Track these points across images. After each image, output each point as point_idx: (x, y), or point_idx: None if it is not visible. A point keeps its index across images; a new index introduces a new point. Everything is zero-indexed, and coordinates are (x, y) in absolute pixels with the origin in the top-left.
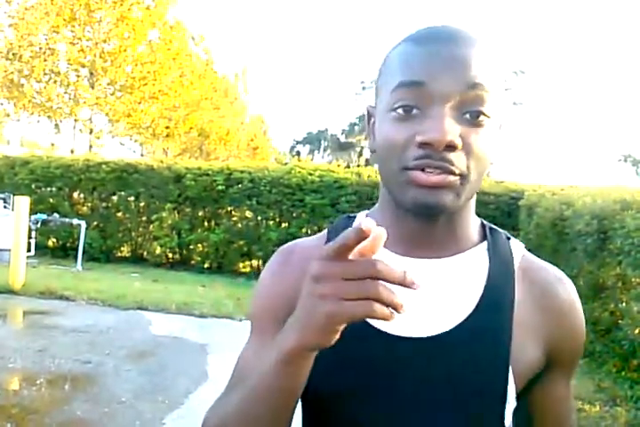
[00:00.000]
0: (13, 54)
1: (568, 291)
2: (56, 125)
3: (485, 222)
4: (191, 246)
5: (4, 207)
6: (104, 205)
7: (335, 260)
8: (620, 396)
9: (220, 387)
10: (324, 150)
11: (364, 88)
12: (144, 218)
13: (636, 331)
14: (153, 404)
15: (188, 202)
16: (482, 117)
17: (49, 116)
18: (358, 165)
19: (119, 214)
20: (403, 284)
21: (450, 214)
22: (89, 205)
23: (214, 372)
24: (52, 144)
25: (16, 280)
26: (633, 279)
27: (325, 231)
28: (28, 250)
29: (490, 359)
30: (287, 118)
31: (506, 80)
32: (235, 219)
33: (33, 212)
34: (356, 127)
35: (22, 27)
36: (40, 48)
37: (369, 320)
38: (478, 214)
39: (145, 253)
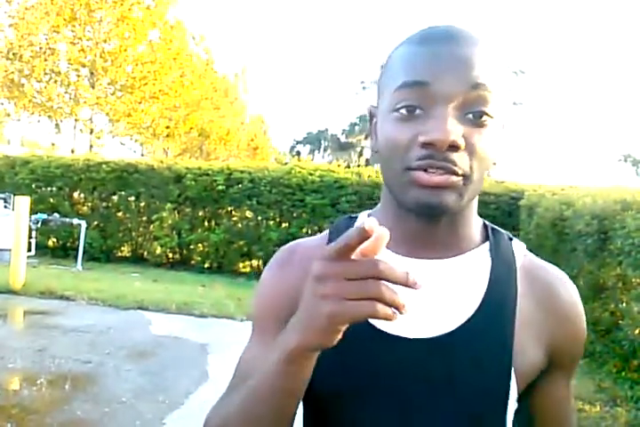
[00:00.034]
0: (14, 54)
1: (570, 292)
2: (56, 125)
3: (487, 223)
4: (191, 246)
5: (5, 207)
6: (104, 204)
7: (337, 260)
8: (621, 396)
9: (221, 387)
10: (325, 150)
11: (364, 88)
12: (144, 218)
13: (637, 331)
14: (153, 404)
15: (189, 202)
16: (485, 118)
17: (49, 116)
18: (358, 165)
19: (119, 214)
20: (405, 284)
21: (452, 215)
22: (89, 204)
23: (214, 372)
24: (53, 144)
25: (16, 280)
26: (633, 280)
27: (327, 231)
28: (29, 250)
29: (492, 360)
30: (287, 118)
31: (506, 80)
32: (235, 219)
33: (33, 211)
34: (357, 127)
35: (23, 26)
36: (40, 48)
37: (371, 321)
38: (479, 214)
39: (145, 253)
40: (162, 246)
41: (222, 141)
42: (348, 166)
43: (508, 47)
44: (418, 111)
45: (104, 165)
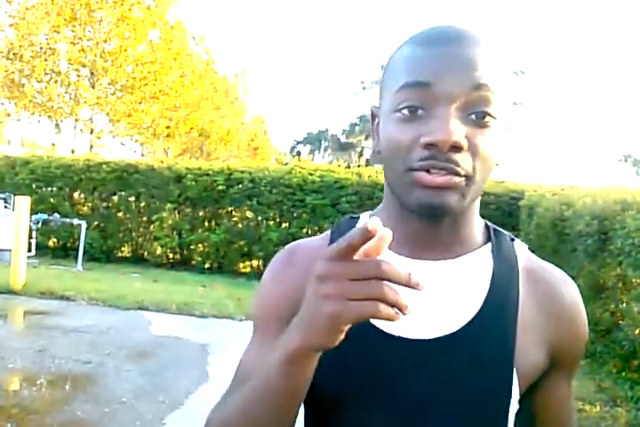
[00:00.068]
0: (14, 54)
1: (572, 293)
2: (57, 125)
3: (489, 224)
4: (192, 247)
5: (5, 207)
6: (104, 205)
7: (340, 260)
8: (621, 396)
9: (221, 387)
10: (325, 150)
11: (364, 88)
12: (144, 218)
13: (637, 331)
14: (153, 404)
15: (189, 202)
16: (487, 118)
17: (49, 116)
18: (359, 166)
19: (120, 214)
20: (407, 285)
21: (455, 216)
22: (89, 205)
23: (215, 372)
24: (53, 144)
25: (16, 280)
26: (633, 280)
27: (329, 232)
28: (29, 250)
29: (494, 361)
30: (287, 118)
31: (509, 81)
32: (235, 219)
33: (33, 212)
34: (357, 127)
35: (23, 26)
36: (41, 48)
37: (373, 322)
38: (479, 215)
39: (145, 254)
40: (162, 247)
41: (222, 142)
42: (349, 167)
43: (509, 47)
44: (420, 112)
45: (104, 166)
